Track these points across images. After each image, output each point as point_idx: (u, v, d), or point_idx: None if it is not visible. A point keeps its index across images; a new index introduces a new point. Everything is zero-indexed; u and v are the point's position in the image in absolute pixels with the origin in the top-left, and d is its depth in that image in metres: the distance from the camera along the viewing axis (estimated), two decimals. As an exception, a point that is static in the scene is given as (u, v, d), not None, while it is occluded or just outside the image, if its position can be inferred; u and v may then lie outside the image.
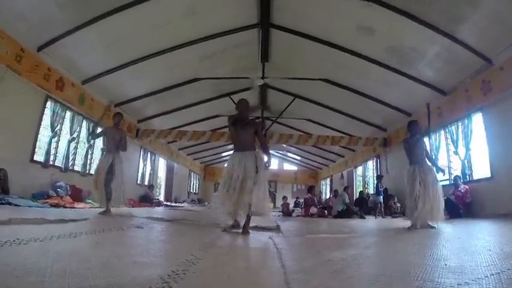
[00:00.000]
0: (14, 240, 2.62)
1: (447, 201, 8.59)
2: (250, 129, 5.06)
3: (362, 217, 11.72)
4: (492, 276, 2.04)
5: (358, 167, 20.12)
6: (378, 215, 12.15)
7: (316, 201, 13.43)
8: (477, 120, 9.31)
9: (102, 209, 7.13)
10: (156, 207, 14.01)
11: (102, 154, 7.89)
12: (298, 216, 12.83)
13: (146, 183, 17.43)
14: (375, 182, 13.82)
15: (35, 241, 2.79)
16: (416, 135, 6.60)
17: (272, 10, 9.81)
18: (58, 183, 9.46)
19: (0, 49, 7.59)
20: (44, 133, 9.63)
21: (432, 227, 5.94)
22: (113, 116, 7.89)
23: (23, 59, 8.24)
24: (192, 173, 27.54)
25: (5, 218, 3.93)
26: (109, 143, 7.51)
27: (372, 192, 14.85)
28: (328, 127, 16.88)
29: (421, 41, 8.91)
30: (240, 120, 5.06)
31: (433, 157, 6.88)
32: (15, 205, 6.67)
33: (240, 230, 4.64)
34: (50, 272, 1.79)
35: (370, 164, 18.10)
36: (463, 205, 8.83)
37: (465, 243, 3.96)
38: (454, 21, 7.86)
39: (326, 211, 13.21)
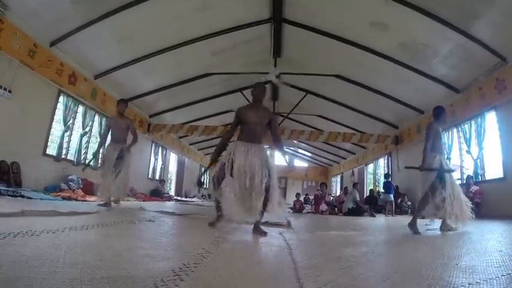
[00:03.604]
0: (27, 232, 2.65)
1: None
2: (263, 118, 4.42)
3: (372, 215, 11.68)
4: (503, 276, 2.02)
5: (369, 165, 20.03)
6: (388, 214, 12.10)
7: (325, 198, 13.37)
8: (491, 118, 9.21)
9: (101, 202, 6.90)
10: (166, 202, 14.09)
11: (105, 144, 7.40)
12: (308, 213, 12.81)
13: (157, 177, 17.58)
14: (384, 180, 13.78)
15: (48, 233, 2.81)
16: (442, 122, 5.81)
17: (284, 5, 9.79)
18: (70, 177, 9.56)
19: (14, 44, 7.69)
20: (57, 127, 9.74)
21: (453, 229, 5.35)
22: (116, 104, 7.42)
23: (35, 54, 8.35)
24: (203, 168, 27.53)
25: (18, 210, 3.97)
26: (115, 133, 7.10)
27: (382, 190, 14.78)
28: (339, 123, 16.82)
29: (434, 37, 8.83)
30: (254, 107, 4.51)
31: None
32: (28, 198, 6.74)
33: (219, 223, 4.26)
34: (63, 263, 1.81)
35: (382, 162, 17.97)
36: (473, 205, 8.74)
37: (476, 244, 3.93)
38: (468, 18, 7.77)
39: (336, 208, 13.18)
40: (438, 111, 5.73)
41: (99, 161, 9.32)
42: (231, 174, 4.13)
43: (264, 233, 3.99)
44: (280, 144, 4.65)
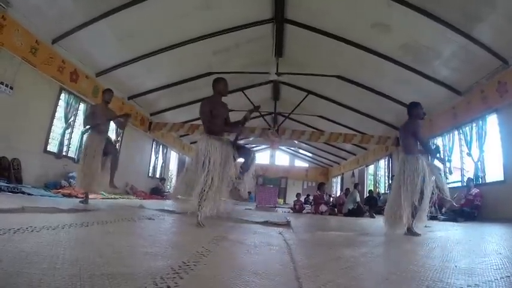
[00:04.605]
0: (27, 228, 2.66)
1: (462, 211, 8.52)
2: (226, 112, 4.83)
3: (372, 216, 11.67)
4: (502, 279, 2.03)
5: (370, 166, 20.04)
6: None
7: (325, 198, 13.37)
8: (492, 121, 9.19)
9: (82, 198, 6.74)
10: (167, 200, 14.09)
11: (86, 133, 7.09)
12: (308, 213, 12.81)
13: (158, 176, 17.60)
14: (390, 182, 13.78)
15: (48, 229, 2.82)
16: (419, 118, 5.39)
17: (286, 5, 9.80)
18: (70, 174, 9.55)
19: (16, 41, 7.68)
20: (58, 124, 9.73)
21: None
22: (102, 93, 7.07)
23: (37, 51, 8.33)
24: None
25: (18, 206, 3.99)
26: (99, 123, 6.61)
27: (384, 192, 14.77)
28: (340, 124, 16.77)
29: (437, 39, 8.81)
30: (218, 101, 4.76)
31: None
32: (28, 194, 6.77)
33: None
34: (63, 260, 1.81)
35: (382, 163, 17.97)
36: (473, 208, 8.76)
37: (475, 246, 3.93)
38: (471, 20, 7.75)
39: (336, 209, 13.18)
40: (416, 106, 5.35)
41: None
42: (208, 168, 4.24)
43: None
44: (235, 124, 4.90)
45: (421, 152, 5.29)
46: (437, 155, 5.66)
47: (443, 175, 5.34)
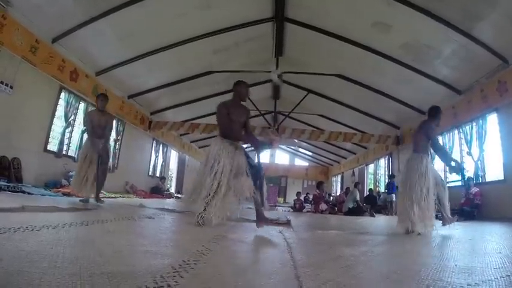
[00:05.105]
0: (27, 227, 2.65)
1: (462, 210, 8.51)
2: (243, 116, 4.59)
3: (372, 215, 11.66)
4: (502, 278, 2.02)
5: (370, 165, 20.03)
6: (389, 214, 12.10)
7: (324, 197, 13.35)
8: (492, 120, 9.18)
9: (82, 197, 6.70)
10: (167, 199, 14.10)
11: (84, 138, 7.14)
12: (308, 212, 12.81)
13: (158, 174, 17.58)
14: (388, 180, 13.78)
15: (48, 228, 2.82)
16: (437, 123, 5.54)
17: (287, 4, 9.79)
18: (70, 173, 9.54)
19: (16, 40, 7.66)
20: (58, 123, 9.72)
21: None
22: (96, 98, 7.15)
23: (37, 50, 8.32)
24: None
25: (18, 206, 3.99)
26: (95, 129, 6.71)
27: (383, 191, 14.75)
28: (340, 123, 16.80)
29: (437, 38, 8.80)
30: (236, 104, 4.59)
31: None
32: (29, 193, 6.78)
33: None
34: (63, 258, 1.81)
35: (382, 162, 17.96)
36: (473, 207, 8.76)
37: (475, 245, 3.93)
38: (471, 19, 7.73)
39: (336, 208, 13.17)
40: (436, 111, 5.52)
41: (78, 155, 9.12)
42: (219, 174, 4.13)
43: (269, 221, 4.22)
44: (255, 139, 4.67)
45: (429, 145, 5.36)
46: (456, 165, 5.64)
47: (446, 188, 5.37)
